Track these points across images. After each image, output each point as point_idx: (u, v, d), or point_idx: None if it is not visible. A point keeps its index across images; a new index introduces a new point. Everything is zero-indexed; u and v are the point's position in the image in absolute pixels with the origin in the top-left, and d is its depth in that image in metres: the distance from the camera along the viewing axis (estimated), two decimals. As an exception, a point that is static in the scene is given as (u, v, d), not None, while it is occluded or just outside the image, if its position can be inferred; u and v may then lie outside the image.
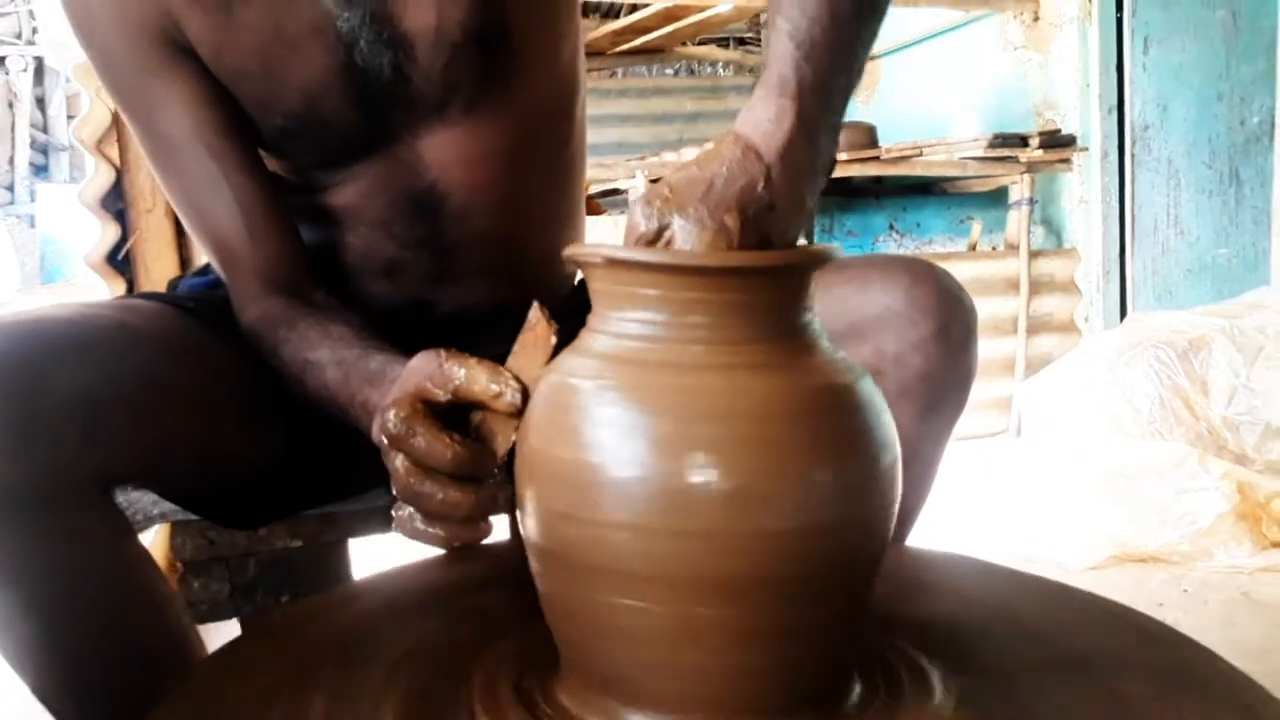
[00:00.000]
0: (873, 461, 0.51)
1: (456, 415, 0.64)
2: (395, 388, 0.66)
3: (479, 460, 0.63)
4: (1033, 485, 2.35)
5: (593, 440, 0.50)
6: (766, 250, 0.57)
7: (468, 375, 0.61)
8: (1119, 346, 2.66)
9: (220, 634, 0.80)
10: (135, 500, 0.94)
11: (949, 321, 0.82)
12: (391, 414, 0.63)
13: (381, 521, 1.02)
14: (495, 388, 0.61)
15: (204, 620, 0.98)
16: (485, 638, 0.64)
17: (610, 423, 0.50)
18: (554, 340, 0.58)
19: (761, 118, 0.60)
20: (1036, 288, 3.61)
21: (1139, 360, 2.57)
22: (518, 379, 0.60)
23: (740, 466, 0.49)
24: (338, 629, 0.68)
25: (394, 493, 0.66)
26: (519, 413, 0.59)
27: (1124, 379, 2.57)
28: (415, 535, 0.66)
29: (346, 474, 0.97)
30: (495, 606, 0.70)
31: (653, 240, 0.55)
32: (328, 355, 0.80)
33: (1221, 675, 0.59)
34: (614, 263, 0.52)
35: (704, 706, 0.52)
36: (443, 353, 0.64)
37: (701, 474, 0.48)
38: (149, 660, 0.70)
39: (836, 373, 0.53)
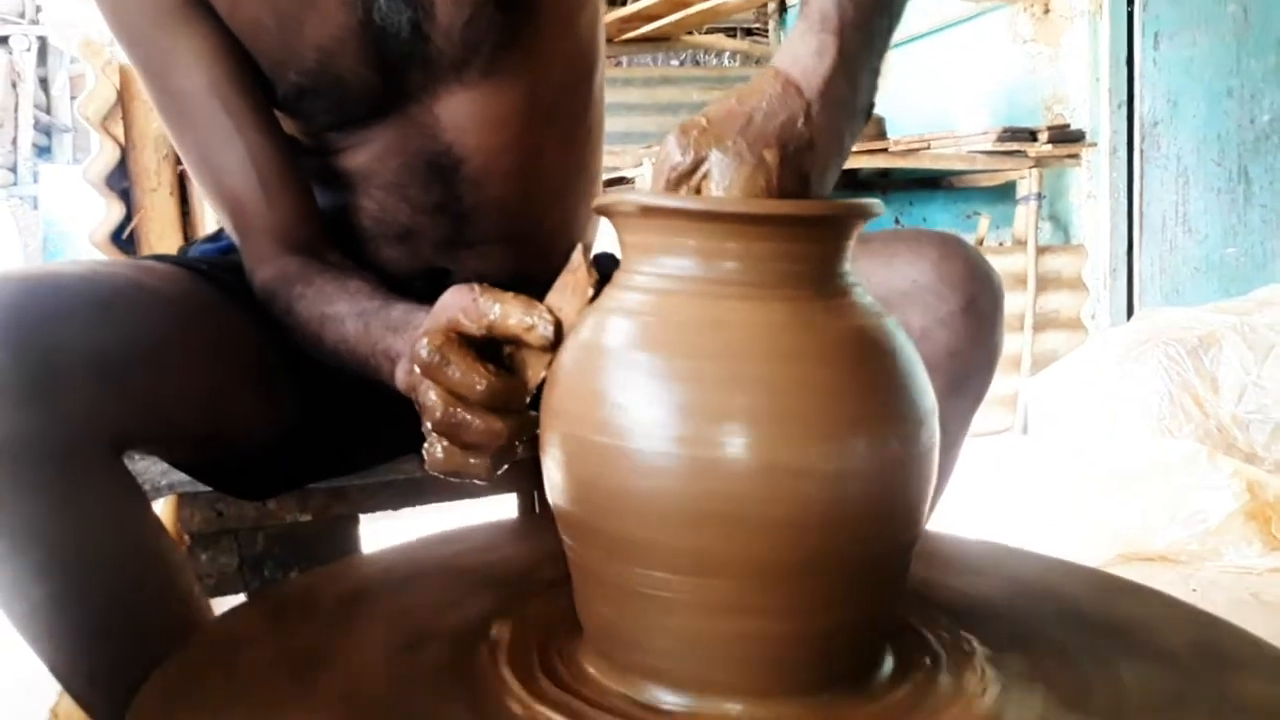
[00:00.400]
0: (909, 413, 0.50)
1: (488, 349, 0.62)
2: (427, 320, 0.64)
3: (512, 391, 0.60)
4: (1039, 482, 2.34)
5: (621, 404, 0.49)
6: (804, 191, 0.55)
7: (502, 310, 0.59)
8: (1128, 343, 2.64)
9: (227, 609, 0.79)
10: (143, 470, 0.92)
11: (976, 296, 0.80)
12: (425, 343, 0.60)
13: (393, 496, 1.00)
14: (529, 320, 0.59)
15: (211, 594, 0.97)
16: (505, 608, 0.63)
17: (639, 386, 0.49)
18: (591, 289, 0.56)
19: (802, 52, 0.59)
20: (1043, 284, 3.60)
21: (1148, 357, 2.56)
22: (552, 313, 0.58)
23: (773, 433, 0.47)
24: (352, 598, 0.67)
25: (425, 428, 0.63)
26: (552, 347, 0.58)
27: (1133, 375, 2.56)
28: (455, 468, 0.63)
29: (357, 447, 0.96)
30: (512, 578, 0.69)
31: (688, 174, 0.54)
32: (346, 308, 0.78)
33: (1267, 656, 0.57)
34: (648, 210, 0.50)
35: (732, 683, 0.51)
36: (476, 286, 0.62)
37: (733, 440, 0.47)
38: (161, 628, 0.69)
39: (874, 326, 0.51)
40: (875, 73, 0.63)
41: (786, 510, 0.47)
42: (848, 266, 0.53)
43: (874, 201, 0.51)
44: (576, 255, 0.58)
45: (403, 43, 0.85)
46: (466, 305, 0.61)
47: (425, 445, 0.63)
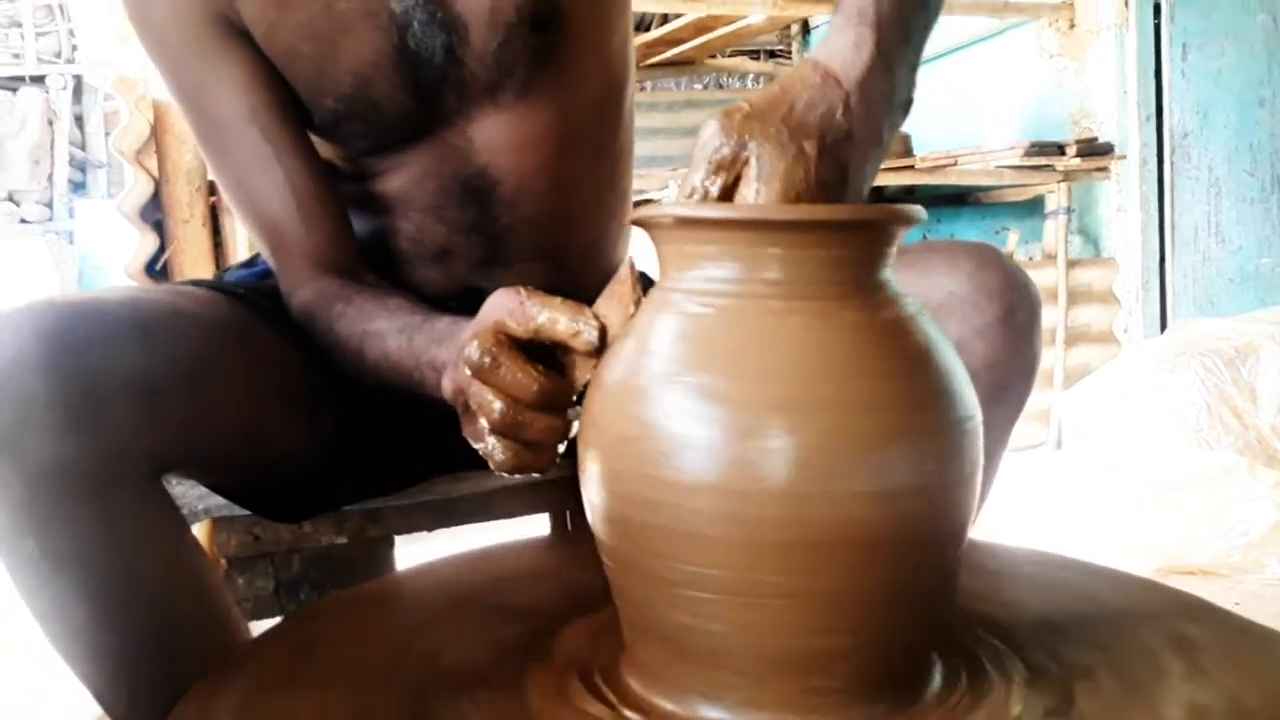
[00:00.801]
0: (954, 426, 0.49)
1: (533, 350, 0.62)
2: (474, 323, 0.65)
3: (560, 391, 0.61)
4: (1075, 497, 2.31)
5: (661, 402, 0.49)
6: (843, 181, 0.56)
7: (550, 315, 0.60)
8: (1163, 355, 2.61)
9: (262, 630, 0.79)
10: (180, 495, 0.93)
11: (1014, 306, 0.79)
12: (475, 345, 0.61)
13: (427, 517, 1.00)
14: (576, 326, 0.59)
15: (247, 619, 0.97)
16: (542, 630, 0.62)
17: (682, 383, 0.48)
18: (636, 302, 0.57)
19: (840, 45, 0.59)
20: (1074, 298, 3.57)
21: (1185, 368, 2.52)
22: (598, 318, 0.59)
23: (815, 428, 0.47)
24: (385, 622, 0.67)
25: (477, 428, 0.63)
26: (597, 352, 0.58)
27: (1169, 387, 2.52)
28: (520, 465, 0.63)
29: (393, 469, 0.96)
30: (541, 602, 0.68)
31: (729, 161, 0.54)
32: (388, 324, 0.78)
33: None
34: (684, 221, 0.50)
35: (780, 699, 0.50)
36: (523, 290, 0.62)
37: (776, 436, 0.46)
38: (200, 651, 0.69)
39: (917, 334, 0.51)
40: (913, 68, 0.63)
41: (833, 530, 0.46)
42: (890, 274, 0.52)
43: (915, 207, 0.51)
44: (625, 268, 0.59)
45: (437, 67, 0.86)
46: (513, 308, 0.62)
47: (483, 447, 0.63)
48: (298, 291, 0.87)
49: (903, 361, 0.49)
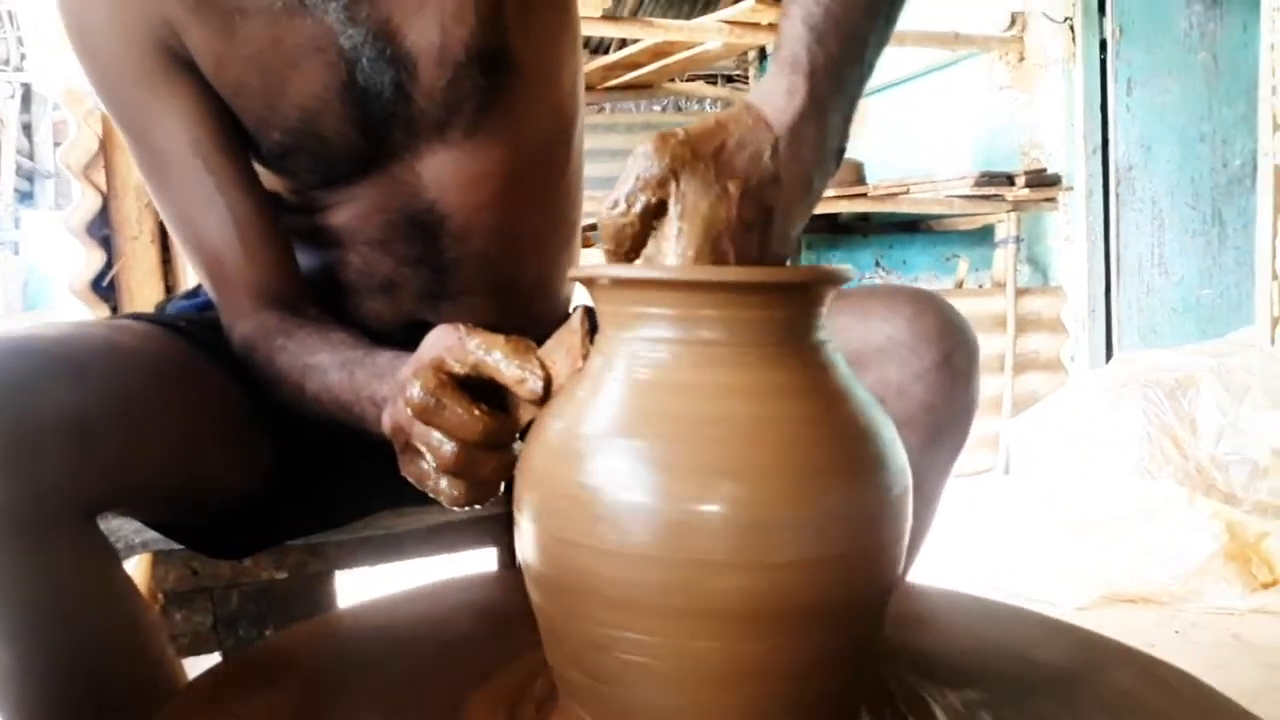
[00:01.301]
0: (885, 491, 0.50)
1: (473, 386, 0.62)
2: (412, 360, 0.64)
3: (505, 429, 0.60)
4: (1021, 523, 2.34)
5: (600, 466, 0.49)
6: (767, 224, 0.56)
7: (494, 359, 0.59)
8: (1107, 385, 2.66)
9: (201, 669, 0.78)
10: (117, 529, 0.91)
11: (952, 351, 0.81)
12: (418, 386, 0.60)
13: (369, 552, 1.00)
14: (521, 374, 0.58)
15: (185, 654, 0.95)
16: (477, 671, 0.62)
17: (618, 449, 0.49)
18: (584, 355, 0.56)
19: (774, 90, 0.60)
20: (1023, 325, 3.63)
21: (1127, 398, 2.57)
22: (544, 366, 0.58)
23: (749, 495, 0.47)
24: (323, 661, 0.66)
25: (422, 471, 0.62)
26: (540, 401, 0.58)
27: (1112, 417, 2.57)
28: (472, 500, 0.62)
29: (333, 504, 0.95)
30: (484, 639, 0.68)
31: (657, 184, 0.54)
32: (329, 358, 0.78)
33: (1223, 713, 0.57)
34: (621, 282, 0.51)
35: (709, 746, 0.50)
36: (462, 327, 0.62)
37: (709, 502, 0.47)
38: (131, 693, 0.68)
39: (849, 399, 0.52)
40: (846, 120, 0.64)
41: (761, 569, 0.47)
42: (822, 331, 0.53)
43: (845, 268, 0.52)
44: (576, 318, 0.58)
45: (385, 103, 0.86)
46: (452, 345, 0.61)
47: (429, 485, 0.62)
48: (239, 324, 0.86)
49: (836, 429, 0.50)
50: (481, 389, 0.61)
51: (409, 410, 0.60)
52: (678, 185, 0.55)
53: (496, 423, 0.60)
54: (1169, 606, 2.11)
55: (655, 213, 0.55)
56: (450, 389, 0.60)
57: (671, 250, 0.54)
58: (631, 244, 0.56)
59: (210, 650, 0.97)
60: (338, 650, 0.69)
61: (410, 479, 0.64)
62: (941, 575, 2.21)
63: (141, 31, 0.83)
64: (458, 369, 0.61)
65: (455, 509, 0.63)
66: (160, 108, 0.84)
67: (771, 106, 0.59)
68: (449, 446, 0.59)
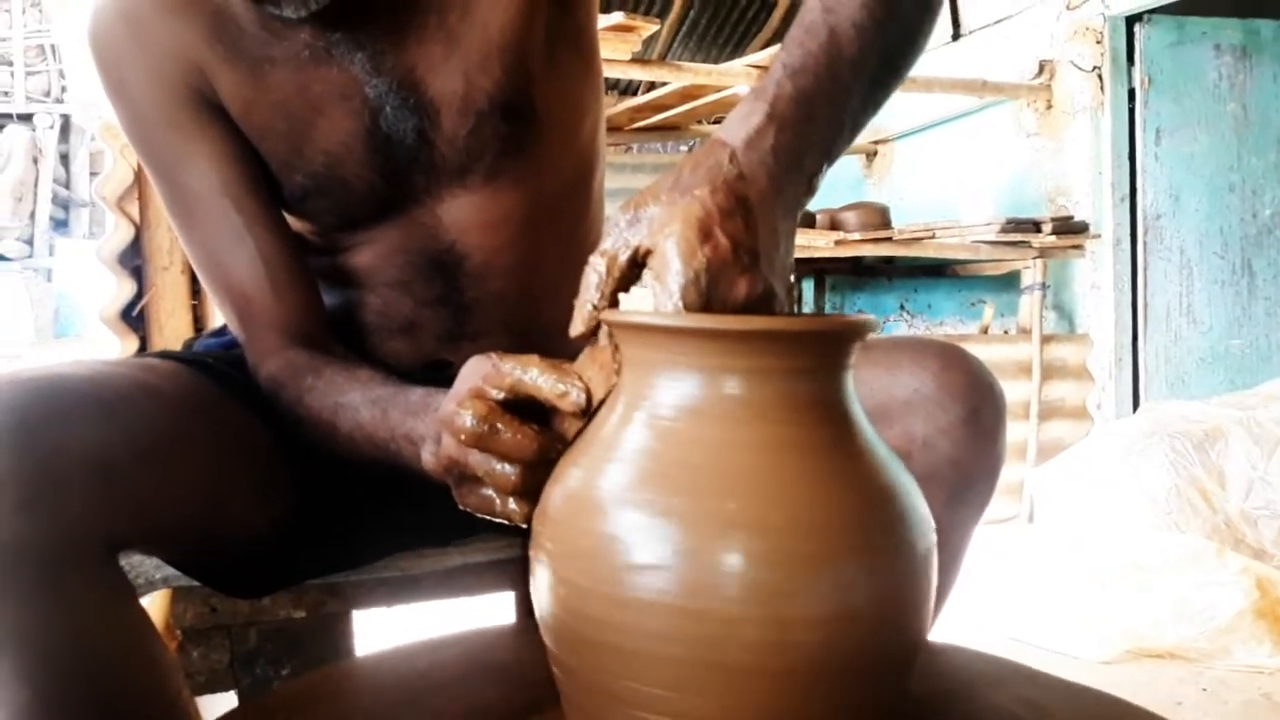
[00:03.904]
0: (909, 550, 0.49)
1: (517, 410, 0.62)
2: (451, 394, 0.64)
3: (555, 444, 0.61)
4: (1046, 573, 2.31)
5: (620, 518, 0.48)
6: (749, 217, 0.57)
7: (534, 376, 0.60)
8: (1133, 435, 2.63)
9: (216, 708, 0.78)
10: (137, 564, 0.92)
11: (979, 407, 0.80)
12: (469, 415, 0.60)
13: (387, 592, 0.99)
14: (562, 387, 0.59)
15: (201, 691, 0.95)
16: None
17: (638, 501, 0.48)
18: (617, 372, 0.56)
19: (732, 118, 0.62)
20: (1049, 373, 3.60)
21: (1154, 450, 2.54)
22: (582, 379, 0.59)
23: (768, 552, 0.47)
24: (338, 711, 0.66)
25: (485, 500, 0.63)
26: (584, 413, 0.58)
27: (1139, 468, 2.54)
28: (530, 517, 0.62)
29: (353, 545, 0.95)
30: (500, 695, 0.68)
31: (630, 224, 0.57)
32: (360, 396, 0.78)
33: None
34: (643, 328, 0.51)
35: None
36: (493, 355, 0.63)
37: (729, 558, 0.46)
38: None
39: (874, 456, 0.51)
40: (822, 151, 0.64)
41: (784, 658, 0.46)
42: (847, 385, 0.53)
43: (869, 318, 0.51)
44: (604, 335, 0.59)
45: (408, 149, 0.87)
46: (488, 372, 0.62)
47: (499, 509, 0.63)
48: (266, 362, 0.87)
49: (860, 488, 0.50)
50: (522, 411, 0.62)
51: (461, 439, 0.61)
52: (647, 212, 0.57)
53: (548, 439, 0.61)
54: (1197, 663, 2.07)
55: (637, 261, 0.58)
56: (500, 413, 0.61)
57: (669, 254, 0.55)
58: (612, 294, 0.59)
59: (227, 688, 0.97)
60: (353, 700, 0.69)
61: (471, 510, 0.65)
62: (964, 625, 2.19)
63: (173, 75, 0.85)
64: (497, 395, 0.62)
65: (524, 525, 0.63)
66: (190, 149, 0.86)
67: (726, 131, 0.61)
68: (510, 469, 0.60)
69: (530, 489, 0.60)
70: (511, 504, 0.62)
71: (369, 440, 0.77)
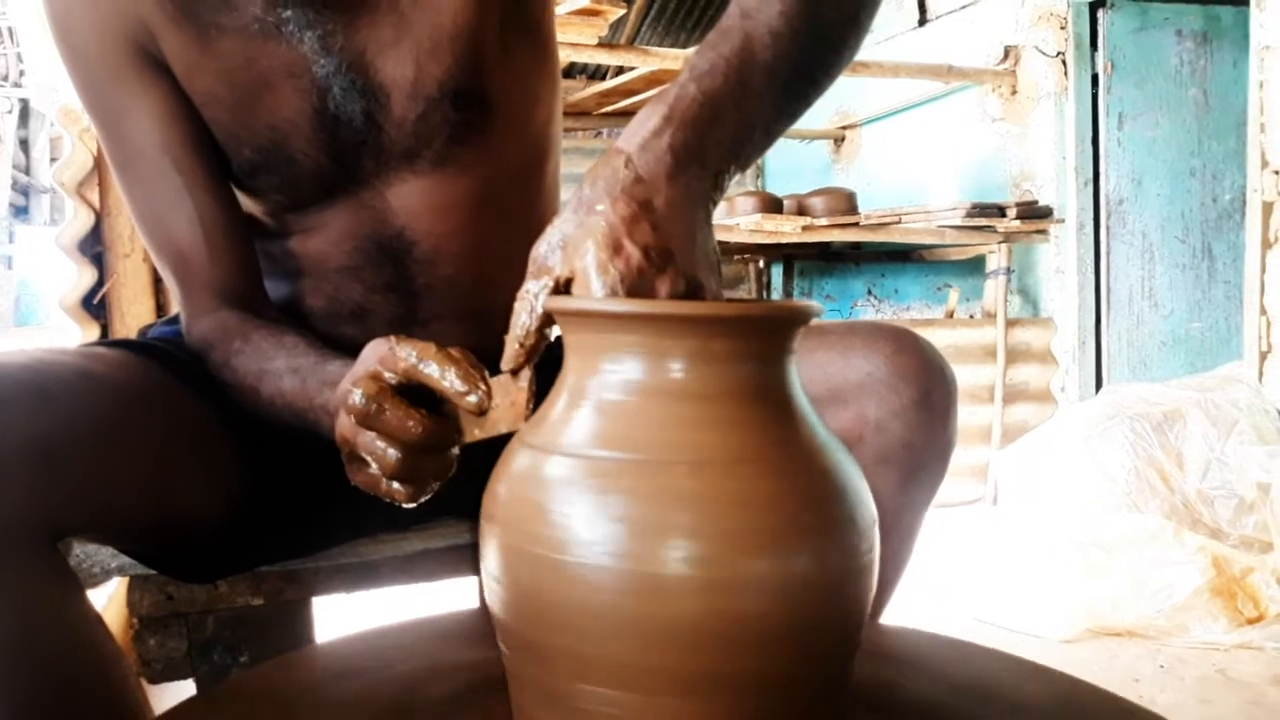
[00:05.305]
0: (849, 524, 0.50)
1: (410, 394, 0.64)
2: (350, 373, 0.66)
3: (445, 433, 0.63)
4: (1009, 554, 2.34)
5: (563, 517, 0.49)
6: (660, 201, 0.58)
7: (425, 364, 0.62)
8: (1095, 418, 2.67)
9: (174, 696, 0.77)
10: (93, 553, 0.91)
11: (931, 390, 0.81)
12: (359, 394, 0.62)
13: (346, 579, 0.99)
14: (463, 387, 0.61)
15: (158, 680, 0.95)
16: (449, 712, 0.62)
17: (580, 499, 0.49)
18: (524, 419, 0.58)
19: (631, 125, 0.63)
20: (1013, 356, 3.64)
21: (1115, 432, 2.58)
22: (486, 382, 0.61)
23: (714, 549, 0.47)
24: (293, 700, 0.66)
25: (371, 478, 0.64)
26: (483, 412, 0.61)
27: (1100, 450, 2.58)
28: (420, 496, 0.65)
29: (307, 530, 0.95)
30: (461, 681, 0.68)
31: (563, 285, 0.57)
32: (283, 364, 0.80)
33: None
34: (587, 315, 0.51)
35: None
36: (393, 338, 0.64)
37: (673, 556, 0.47)
38: (94, 721, 0.67)
39: (815, 436, 0.52)
40: (730, 150, 0.64)
41: (727, 626, 0.47)
42: (791, 372, 0.53)
43: (812, 304, 0.52)
44: (525, 375, 0.60)
45: (355, 130, 0.87)
46: (384, 355, 0.63)
47: (383, 489, 0.64)
48: (199, 321, 0.88)
49: (799, 462, 0.50)
50: (418, 398, 0.64)
51: (352, 418, 0.63)
52: (559, 238, 0.58)
53: (436, 426, 0.62)
54: (1155, 640, 2.10)
55: (562, 291, 0.58)
56: (389, 395, 0.62)
57: (588, 276, 0.56)
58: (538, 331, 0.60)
59: (184, 676, 0.96)
60: (309, 687, 0.69)
61: (360, 486, 0.66)
62: (927, 605, 2.22)
63: (118, 29, 0.85)
64: (391, 379, 0.63)
65: (407, 505, 0.66)
66: (133, 104, 0.86)
67: (623, 136, 0.62)
68: (393, 452, 0.62)
69: (412, 473, 0.62)
70: (395, 485, 0.64)
71: (289, 408, 0.78)
